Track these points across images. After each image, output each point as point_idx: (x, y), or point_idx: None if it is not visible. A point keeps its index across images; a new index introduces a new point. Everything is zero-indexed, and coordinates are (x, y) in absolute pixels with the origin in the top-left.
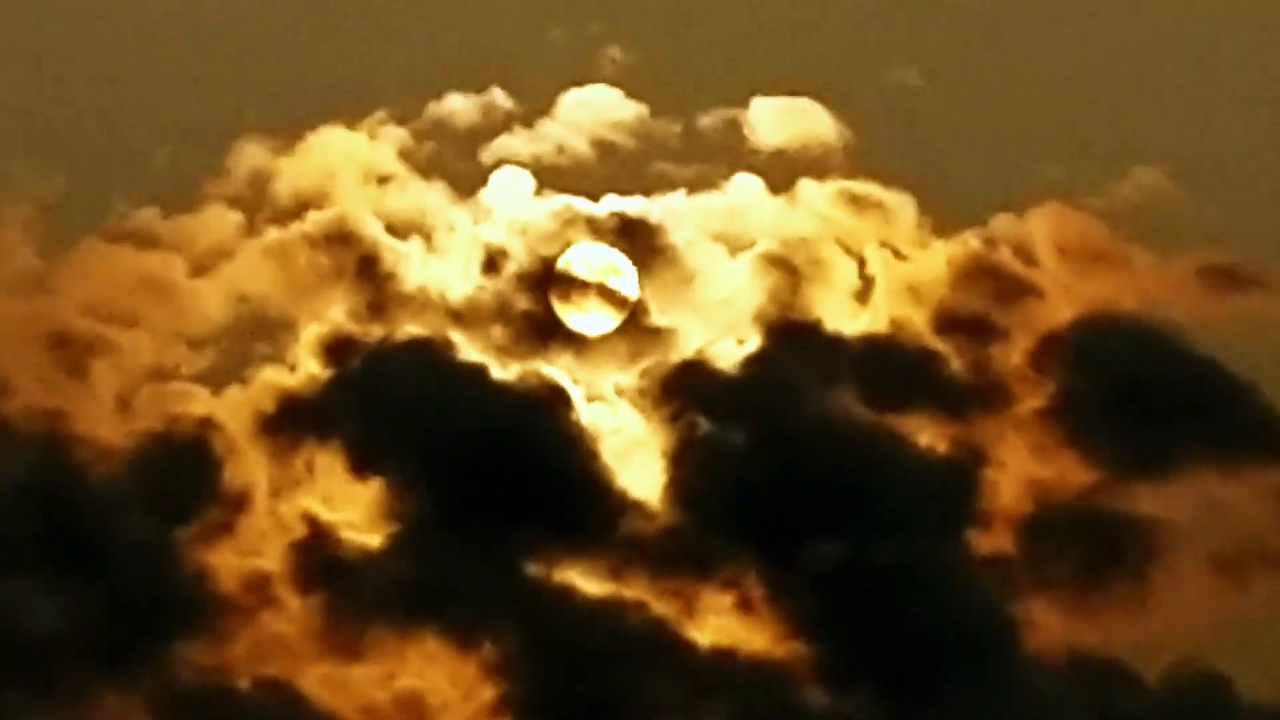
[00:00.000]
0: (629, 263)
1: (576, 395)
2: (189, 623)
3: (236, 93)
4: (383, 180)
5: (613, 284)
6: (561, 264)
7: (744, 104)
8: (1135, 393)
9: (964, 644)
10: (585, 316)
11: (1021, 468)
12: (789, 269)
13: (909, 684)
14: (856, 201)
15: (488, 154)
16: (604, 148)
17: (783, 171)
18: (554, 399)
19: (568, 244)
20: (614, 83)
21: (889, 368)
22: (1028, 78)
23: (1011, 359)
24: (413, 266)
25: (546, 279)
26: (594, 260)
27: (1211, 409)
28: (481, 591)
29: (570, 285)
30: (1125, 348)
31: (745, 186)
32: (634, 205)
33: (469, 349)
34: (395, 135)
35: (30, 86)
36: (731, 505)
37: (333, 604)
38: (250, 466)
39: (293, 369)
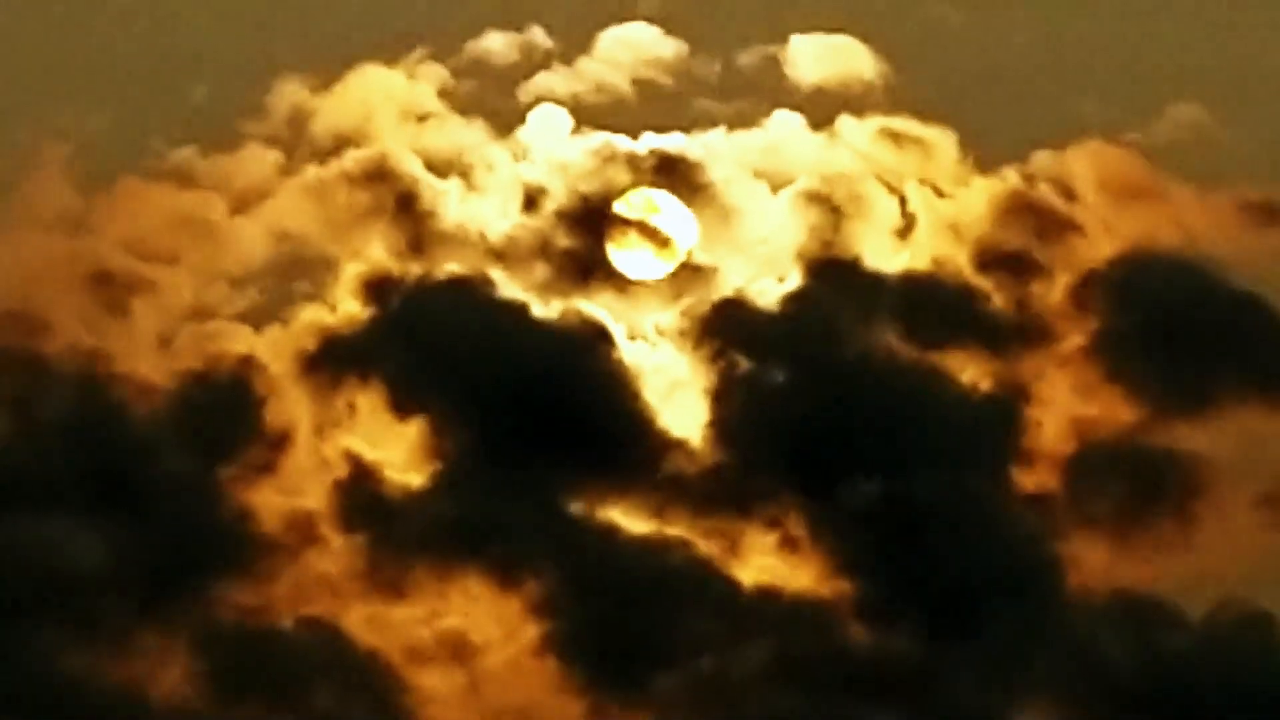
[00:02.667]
0: (687, 211)
1: (618, 334)
2: (231, 562)
3: (275, 31)
4: (421, 118)
5: (668, 231)
6: (617, 207)
7: (783, 41)
8: (1176, 328)
9: (1007, 582)
10: (637, 260)
11: (1064, 404)
12: (829, 206)
13: (951, 622)
14: (896, 138)
15: (526, 92)
16: (643, 85)
17: (823, 108)
18: (595, 337)
19: (608, 182)
20: (653, 20)
21: (930, 305)
22: (1067, 13)
23: (1052, 296)
24: (452, 204)
25: (587, 217)
26: (650, 205)
27: (1253, 344)
28: (524, 530)
29: (624, 227)
30: (1166, 283)
31: (785, 123)
32: (673, 142)
33: (509, 287)
34: (434, 73)
35: (69, 26)
36: (774, 444)
37: (375, 543)
38: (292, 405)
39: (333, 308)
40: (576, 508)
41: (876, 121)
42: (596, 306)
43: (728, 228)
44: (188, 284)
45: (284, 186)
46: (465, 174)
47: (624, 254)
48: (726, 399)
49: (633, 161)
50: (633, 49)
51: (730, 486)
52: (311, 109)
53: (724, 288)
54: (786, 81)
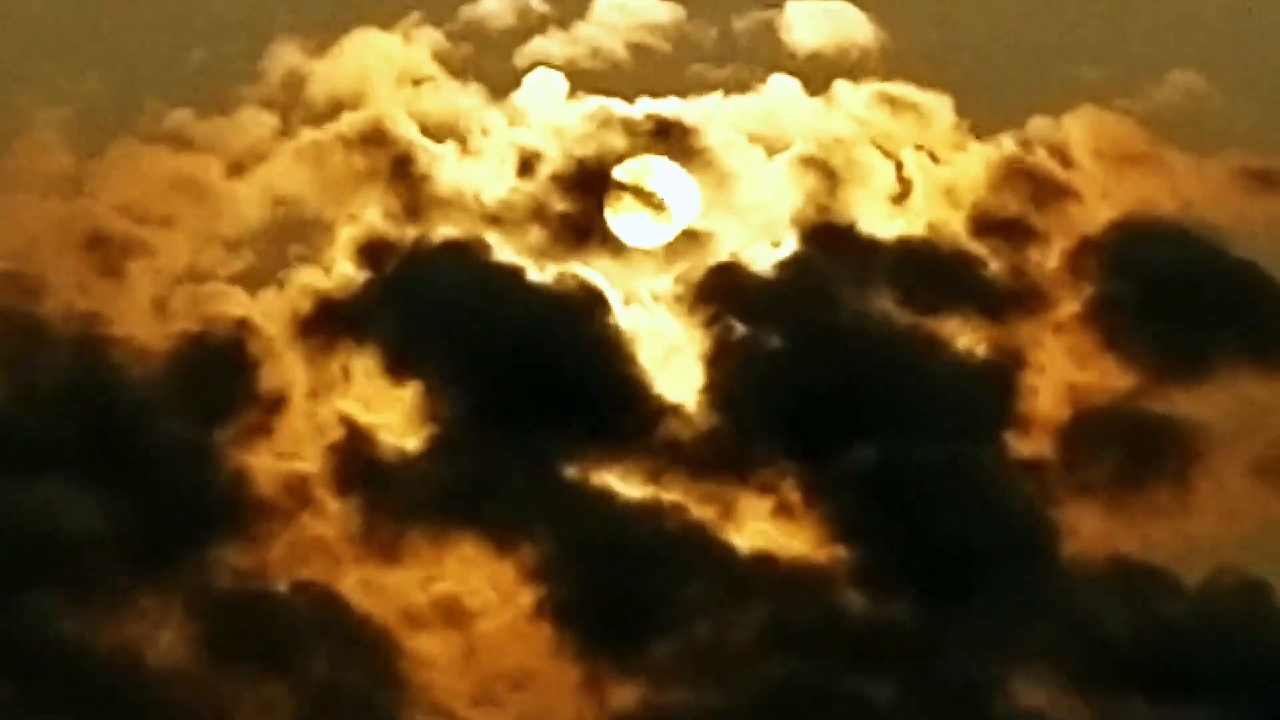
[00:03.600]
0: (687, 178)
1: (614, 298)
2: (226, 525)
3: None
4: (417, 82)
5: (664, 196)
6: (619, 174)
7: (780, 6)
8: (1173, 295)
9: (1003, 548)
10: (633, 226)
11: (1060, 371)
12: (825, 171)
13: (947, 588)
14: (893, 103)
15: (522, 56)
16: (639, 50)
17: (819, 73)
18: (591, 301)
19: (604, 147)
20: None
21: (926, 270)
22: None
23: (1049, 262)
24: (447, 168)
25: (583, 182)
26: (646, 169)
27: (1250, 311)
28: (520, 494)
29: (620, 191)
30: (1163, 250)
31: (781, 88)
32: (670, 107)
33: (505, 251)
34: (430, 37)
35: None
36: (769, 409)
37: (370, 507)
38: (287, 368)
39: (328, 270)
40: (572, 472)
41: (872, 87)
42: (592, 271)
43: (724, 193)
44: (183, 247)
45: (280, 149)
46: (461, 138)
47: (620, 219)
48: (722, 364)
49: (629, 126)
50: (629, 13)
51: (726, 452)
52: (307, 72)
53: (720, 253)
54: (783, 46)
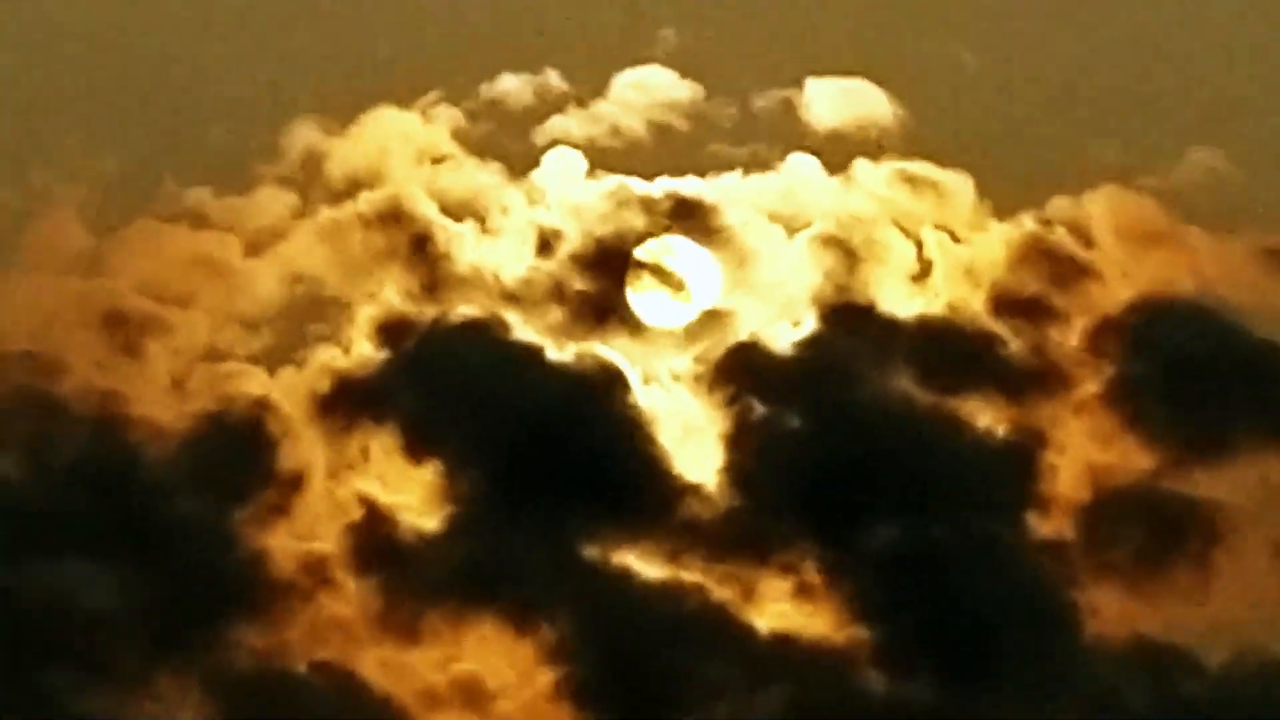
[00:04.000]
0: (710, 259)
1: (633, 377)
2: (245, 605)
3: (290, 73)
4: (436, 161)
5: (684, 275)
6: (641, 254)
7: (799, 84)
8: (1194, 375)
9: (1024, 629)
10: (653, 305)
11: (1080, 451)
12: (845, 250)
13: (968, 668)
14: (913, 182)
15: (541, 135)
16: (659, 129)
17: (839, 152)
18: (610, 381)
19: (623, 225)
20: (668, 63)
21: (946, 350)
22: (1084, 58)
23: (1069, 341)
24: (467, 247)
25: (602, 260)
26: (666, 248)
27: (1272, 391)
28: (539, 574)
29: (640, 270)
30: (1183, 329)
31: (801, 167)
32: (689, 186)
33: (524, 330)
34: (449, 115)
35: (83, 64)
36: (789, 489)
37: (390, 587)
38: (306, 448)
39: (347, 350)
40: (591, 552)
41: (892, 165)
42: (611, 350)
43: (743, 271)
44: (202, 325)
45: (298, 228)
46: (480, 216)
47: (640, 298)
48: (742, 443)
49: (648, 205)
50: (648, 92)
51: (746, 532)
52: (326, 151)
53: (739, 332)
54: (802, 125)
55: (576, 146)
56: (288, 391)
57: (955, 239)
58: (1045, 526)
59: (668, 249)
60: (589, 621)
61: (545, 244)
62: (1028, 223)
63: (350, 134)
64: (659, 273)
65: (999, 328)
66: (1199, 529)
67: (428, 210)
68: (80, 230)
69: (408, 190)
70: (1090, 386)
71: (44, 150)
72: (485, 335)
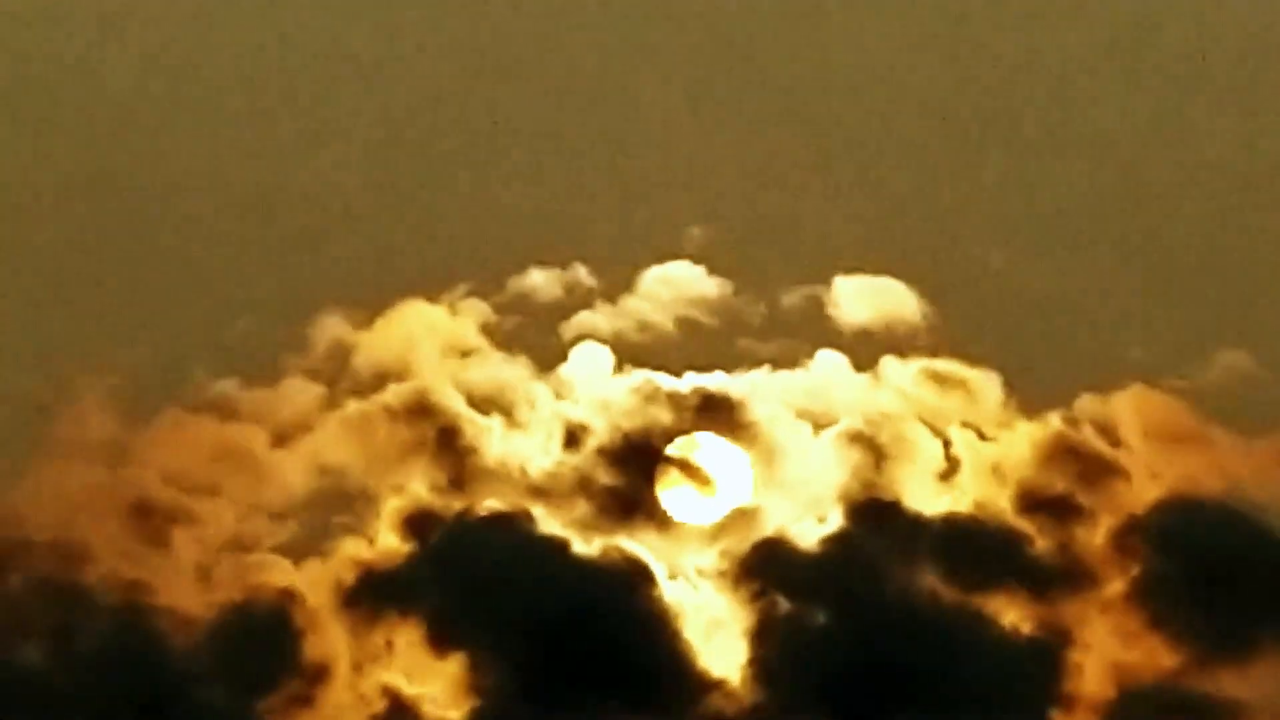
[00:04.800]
0: (742, 455)
1: (659, 572)
2: None
3: (317, 266)
4: (464, 354)
5: (711, 471)
6: (671, 450)
7: (827, 282)
8: (1220, 575)
9: None
10: (687, 504)
11: (1106, 649)
12: (872, 447)
13: None
14: (940, 380)
15: (569, 329)
16: (686, 324)
17: (866, 349)
18: (636, 575)
19: (651, 421)
20: (697, 259)
21: (972, 548)
22: (1112, 258)
23: (1096, 540)
24: (494, 441)
25: (629, 455)
26: (704, 450)
27: None
28: None
29: (667, 466)
30: (1209, 530)
31: (829, 364)
32: (717, 381)
33: (550, 524)
34: (477, 309)
35: (110, 258)
36: (814, 685)
37: None
38: (331, 639)
39: (372, 542)
40: None
41: (920, 363)
42: (637, 545)
43: (770, 468)
44: (228, 516)
45: (325, 420)
46: (507, 410)
47: (669, 494)
48: (767, 639)
49: (675, 400)
50: (676, 288)
51: None
52: (353, 343)
53: (765, 528)
54: (830, 322)
55: (604, 341)
56: (313, 583)
57: (982, 437)
58: None
59: (695, 445)
60: None
61: (572, 438)
62: (1055, 421)
63: (378, 327)
64: (688, 469)
65: (1026, 526)
66: None
67: (455, 403)
68: (108, 420)
69: (435, 383)
70: (1116, 585)
71: (73, 341)
72: (511, 529)
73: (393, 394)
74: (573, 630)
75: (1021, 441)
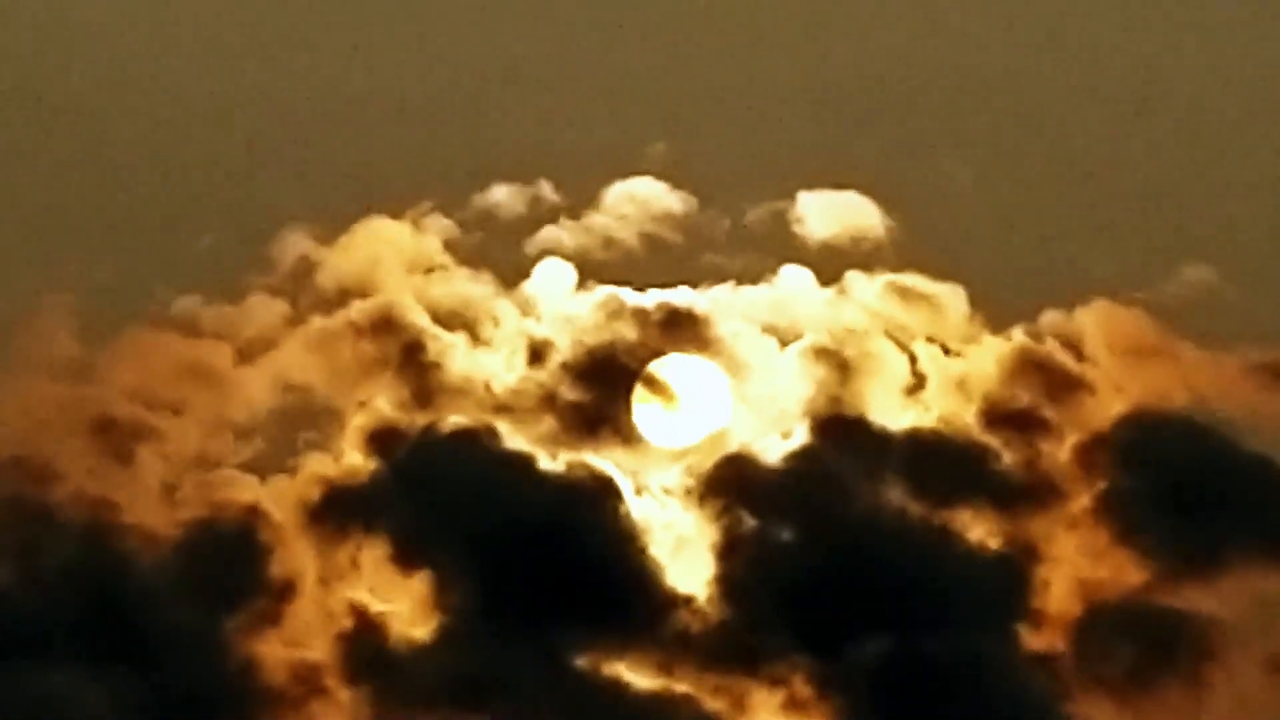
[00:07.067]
0: (729, 380)
1: (625, 487)
2: (236, 713)
3: (281, 182)
4: (428, 270)
5: (677, 389)
6: (654, 369)
7: (791, 197)
8: (1186, 490)
9: None
10: (658, 424)
11: (1072, 565)
12: (838, 362)
13: None
14: (905, 295)
15: (533, 245)
16: (651, 240)
17: (831, 264)
18: (601, 491)
19: (615, 336)
20: (660, 175)
21: (938, 463)
22: (1077, 173)
23: (1061, 455)
24: (458, 357)
25: (594, 371)
26: (687, 372)
27: (1263, 505)
28: (530, 684)
29: (649, 388)
30: (1175, 444)
31: (793, 279)
32: (681, 297)
33: (515, 440)
34: (440, 225)
35: (72, 175)
36: (780, 601)
37: (380, 696)
38: (297, 556)
39: (338, 458)
40: (582, 663)
41: (885, 278)
42: (603, 461)
43: (735, 383)
44: (193, 433)
45: (289, 337)
46: (471, 327)
47: (635, 410)
48: (733, 556)
49: (640, 316)
50: (640, 204)
51: (737, 644)
52: (317, 260)
53: (731, 444)
54: (795, 237)
55: (568, 258)
56: (278, 500)
57: (948, 352)
58: (1037, 640)
59: (668, 364)
60: None
61: (536, 355)
62: (1020, 336)
63: (341, 243)
64: (654, 385)
65: (991, 441)
66: (1191, 644)
67: (419, 320)
68: (71, 337)
69: (399, 300)
70: (1082, 500)
71: (34, 257)
72: (476, 445)
73: (357, 310)
74: (539, 547)
75: (987, 356)
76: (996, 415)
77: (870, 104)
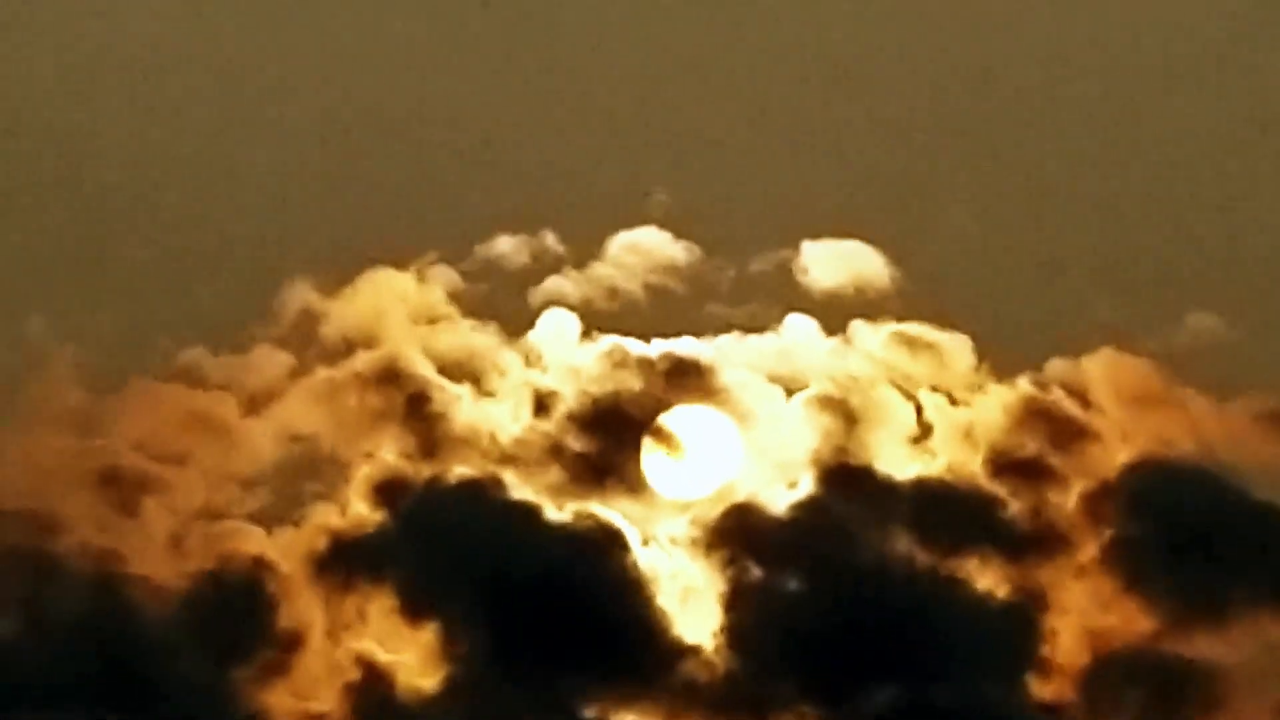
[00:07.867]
0: (735, 430)
1: (632, 538)
2: None
3: (285, 233)
4: (432, 321)
5: (683, 438)
6: (664, 421)
7: (795, 246)
8: (1193, 538)
9: None
10: (667, 474)
11: (1080, 613)
12: (843, 412)
13: None
14: (910, 344)
15: (537, 296)
16: (655, 290)
17: (835, 313)
18: (608, 541)
19: (620, 386)
20: (664, 225)
21: (945, 512)
22: (1082, 222)
23: (1068, 504)
24: (463, 407)
25: (599, 421)
26: (694, 423)
27: (1271, 554)
28: None
29: (656, 438)
30: (1182, 492)
31: (798, 328)
32: (685, 347)
33: (521, 490)
34: (445, 276)
35: (78, 225)
36: (788, 650)
37: None
38: (304, 607)
39: (344, 509)
40: (590, 713)
41: (890, 327)
42: (609, 511)
43: (741, 433)
44: (199, 484)
45: (295, 388)
46: (476, 377)
47: (641, 460)
48: (740, 605)
49: (644, 366)
50: (644, 253)
51: (744, 693)
52: (322, 311)
53: (737, 493)
54: (799, 286)
55: (573, 308)
56: (285, 551)
57: (953, 401)
58: (1045, 689)
59: (676, 415)
60: None
61: (541, 405)
62: (1026, 385)
63: (346, 295)
64: (661, 435)
65: (998, 490)
66: (1200, 692)
67: (424, 370)
68: (77, 388)
69: (404, 351)
70: (1090, 549)
71: (40, 308)
72: (482, 495)
73: (362, 361)
74: (546, 597)
75: (993, 405)
76: (1003, 464)
77: (874, 153)
